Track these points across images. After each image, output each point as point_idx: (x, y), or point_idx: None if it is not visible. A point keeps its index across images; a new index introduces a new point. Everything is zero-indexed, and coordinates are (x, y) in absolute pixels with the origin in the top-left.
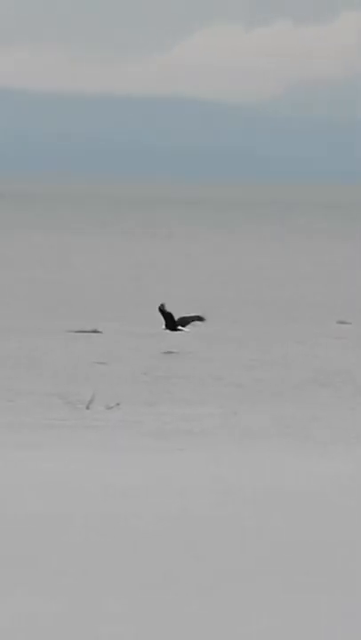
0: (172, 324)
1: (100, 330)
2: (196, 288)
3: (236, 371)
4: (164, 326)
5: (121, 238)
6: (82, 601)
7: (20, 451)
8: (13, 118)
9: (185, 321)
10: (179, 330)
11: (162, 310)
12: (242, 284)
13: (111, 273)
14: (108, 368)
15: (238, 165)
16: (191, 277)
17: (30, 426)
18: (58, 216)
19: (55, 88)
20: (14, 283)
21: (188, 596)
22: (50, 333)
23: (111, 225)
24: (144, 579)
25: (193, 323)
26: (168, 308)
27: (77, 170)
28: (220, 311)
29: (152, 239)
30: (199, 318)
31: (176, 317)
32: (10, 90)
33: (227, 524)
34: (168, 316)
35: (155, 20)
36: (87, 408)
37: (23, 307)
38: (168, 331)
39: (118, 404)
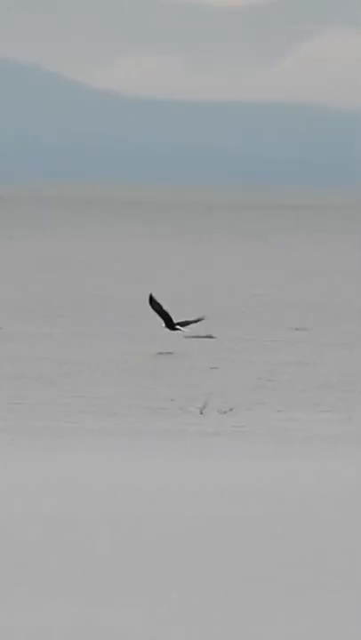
0: (170, 323)
1: (214, 335)
2: (304, 294)
3: (349, 376)
4: (163, 325)
5: (269, 245)
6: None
7: (133, 455)
8: (143, 126)
9: (186, 323)
10: (177, 329)
11: (155, 305)
12: (346, 288)
13: (223, 278)
14: (221, 373)
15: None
16: (301, 284)
17: (144, 431)
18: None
19: (173, 95)
20: (126, 288)
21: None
22: (164, 338)
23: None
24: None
25: (193, 324)
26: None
27: (215, 179)
28: (328, 316)
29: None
30: (199, 320)
31: (176, 321)
32: (141, 98)
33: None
34: (165, 315)
35: (270, 27)
36: (201, 413)
37: (139, 312)
38: (168, 330)
39: (232, 409)
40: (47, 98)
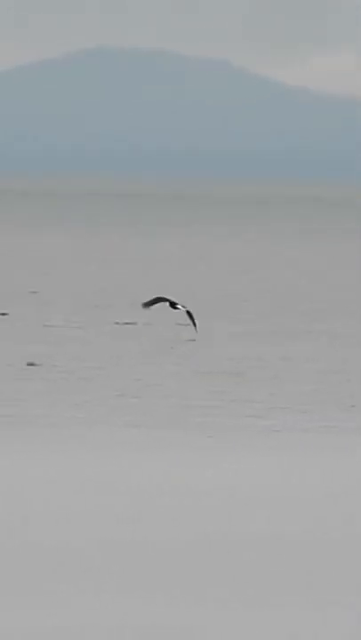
0: (171, 302)
1: None
2: None
3: None
4: (168, 304)
5: None
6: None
7: (291, 455)
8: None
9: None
10: (177, 308)
11: (150, 302)
12: None
13: None
14: None
15: None
16: None
17: (305, 428)
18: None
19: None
20: (272, 286)
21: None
22: (344, 335)
23: None
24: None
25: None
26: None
27: None
28: None
29: None
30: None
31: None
32: (335, 96)
33: None
34: (163, 299)
35: None
36: None
37: (287, 310)
38: (171, 309)
39: None
40: (236, 94)
